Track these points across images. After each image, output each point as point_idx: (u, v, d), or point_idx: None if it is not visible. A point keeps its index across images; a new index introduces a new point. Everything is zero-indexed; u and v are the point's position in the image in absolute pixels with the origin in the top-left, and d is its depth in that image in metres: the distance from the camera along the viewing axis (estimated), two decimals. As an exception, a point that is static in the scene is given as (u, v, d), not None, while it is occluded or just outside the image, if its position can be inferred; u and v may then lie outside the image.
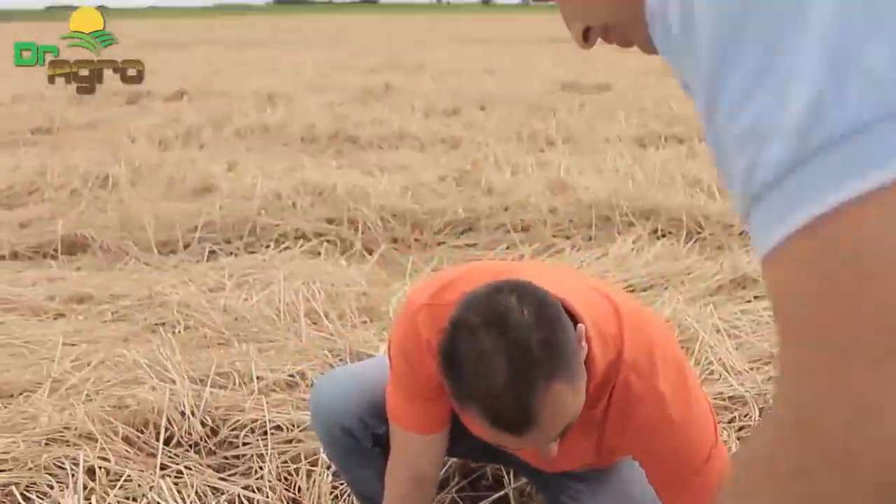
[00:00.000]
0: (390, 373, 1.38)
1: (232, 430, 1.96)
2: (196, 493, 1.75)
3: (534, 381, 1.05)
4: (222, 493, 1.77)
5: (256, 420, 1.96)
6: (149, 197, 4.07)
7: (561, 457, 1.30)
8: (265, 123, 6.11)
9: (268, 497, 1.77)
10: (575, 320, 1.16)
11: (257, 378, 2.09)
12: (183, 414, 1.97)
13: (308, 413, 1.98)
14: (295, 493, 1.80)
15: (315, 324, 2.45)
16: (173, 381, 2.06)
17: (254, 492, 1.79)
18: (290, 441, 1.92)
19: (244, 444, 1.93)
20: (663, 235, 3.92)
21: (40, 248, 3.68)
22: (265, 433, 1.94)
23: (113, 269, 3.35)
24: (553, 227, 3.82)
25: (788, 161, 0.36)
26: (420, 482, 1.43)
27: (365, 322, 2.51)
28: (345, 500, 1.75)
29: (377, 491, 1.54)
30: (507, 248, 3.60)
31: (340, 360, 2.25)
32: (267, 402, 1.99)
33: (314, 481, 1.80)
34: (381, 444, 1.48)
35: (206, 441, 1.96)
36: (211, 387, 2.06)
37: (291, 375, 2.13)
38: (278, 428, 1.95)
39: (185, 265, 3.29)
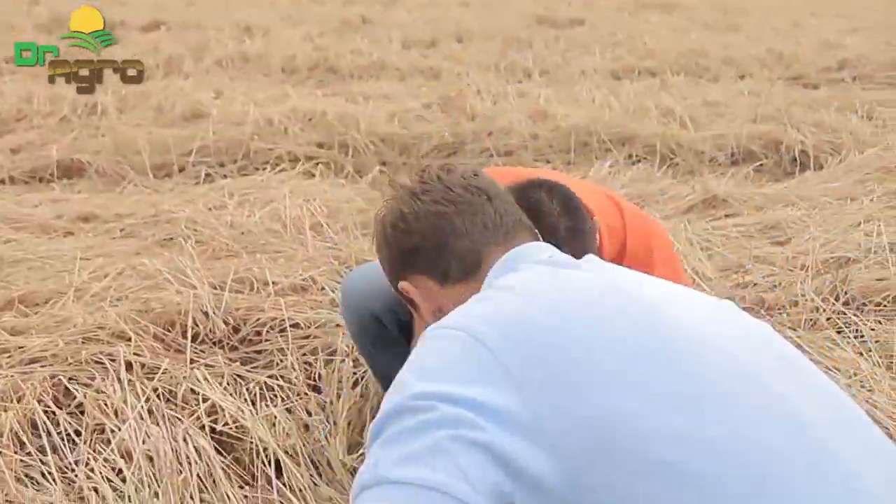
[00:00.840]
0: None
1: (253, 327, 2.14)
2: (226, 381, 1.93)
3: None
4: (249, 382, 1.95)
5: (275, 318, 2.14)
6: (140, 123, 4.16)
7: None
8: (245, 54, 6.15)
9: (292, 384, 1.96)
10: (590, 214, 1.34)
11: (272, 283, 2.26)
12: (206, 314, 2.13)
13: (321, 311, 2.17)
14: (315, 381, 1.99)
15: (319, 235, 2.61)
16: (194, 287, 2.22)
17: (277, 379, 1.98)
18: (308, 337, 2.11)
19: (265, 340, 2.11)
20: (638, 161, 4.13)
21: (35, 172, 3.79)
22: (283, 330, 2.13)
23: (112, 191, 3.47)
24: (534, 151, 4.00)
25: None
26: None
27: (365, 234, 2.68)
28: (363, 385, 1.95)
29: (397, 372, 1.74)
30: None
31: (346, 266, 2.42)
32: (284, 303, 2.16)
33: (333, 369, 1.99)
34: (406, 331, 1.68)
35: (229, 339, 2.13)
36: (230, 291, 2.23)
37: (304, 280, 2.31)
38: (295, 326, 2.13)
39: (182, 187, 3.43)
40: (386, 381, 1.82)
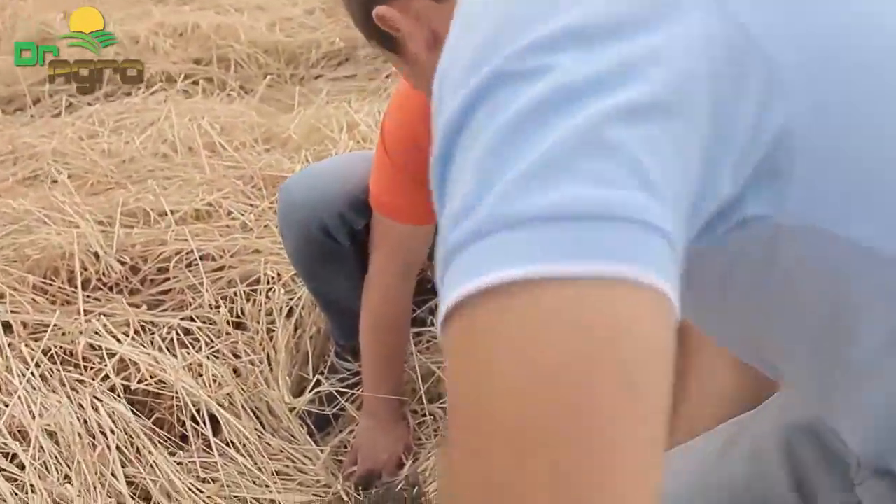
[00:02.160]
0: (384, 162, 1.30)
1: (155, 264, 1.81)
2: (133, 330, 1.62)
3: None
4: (161, 328, 1.64)
5: (180, 251, 1.81)
6: (-24, 54, 3.58)
7: None
8: (90, -27, 5.48)
9: (213, 323, 1.66)
10: None
11: (171, 212, 1.92)
12: (96, 255, 1.79)
13: (234, 237, 1.87)
14: (239, 316, 1.70)
15: (216, 155, 2.27)
16: (76, 225, 1.86)
17: (194, 321, 1.67)
18: (222, 268, 1.80)
19: (172, 277, 1.79)
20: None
21: None
22: (191, 264, 1.81)
23: (-45, 132, 2.96)
24: (433, 52, 3.71)
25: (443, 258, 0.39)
26: (407, 273, 1.39)
27: (269, 149, 2.36)
28: (299, 313, 1.67)
29: (345, 294, 1.48)
30: (387, 77, 3.47)
31: (253, 187, 2.11)
32: (188, 233, 1.84)
33: (256, 301, 1.71)
34: (358, 242, 1.41)
35: (127, 281, 1.80)
36: (121, 226, 1.88)
37: (208, 205, 1.98)
38: (206, 257, 1.81)
39: (41, 120, 2.96)
40: (331, 304, 1.56)
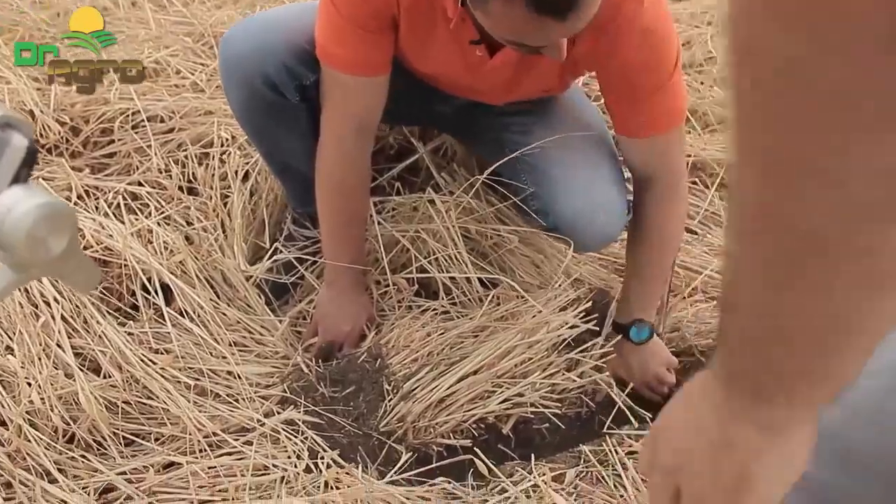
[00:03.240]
0: (329, 9, 1.18)
1: (97, 125, 1.69)
2: (76, 195, 1.51)
3: None
4: (106, 193, 1.54)
5: (125, 111, 1.69)
6: None
7: (529, 79, 1.23)
8: None
9: (162, 188, 1.56)
10: None
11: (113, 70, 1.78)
12: (32, 114, 1.66)
13: (185, 97, 1.74)
14: (191, 181, 1.60)
15: (162, 10, 2.09)
16: (7, 81, 1.72)
17: (143, 186, 1.57)
18: (172, 130, 1.68)
19: (117, 140, 1.67)
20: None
21: None
22: (138, 126, 1.69)
23: None
24: None
25: None
26: (360, 132, 1.29)
27: (220, 6, 2.18)
28: (255, 178, 1.58)
29: (299, 157, 1.38)
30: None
31: (203, 44, 1.96)
32: (134, 91, 1.71)
33: (209, 165, 1.60)
34: (309, 98, 1.30)
35: (67, 143, 1.68)
36: (58, 84, 1.74)
37: (156, 62, 1.83)
38: (154, 119, 1.69)
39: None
40: (285, 168, 1.46)
